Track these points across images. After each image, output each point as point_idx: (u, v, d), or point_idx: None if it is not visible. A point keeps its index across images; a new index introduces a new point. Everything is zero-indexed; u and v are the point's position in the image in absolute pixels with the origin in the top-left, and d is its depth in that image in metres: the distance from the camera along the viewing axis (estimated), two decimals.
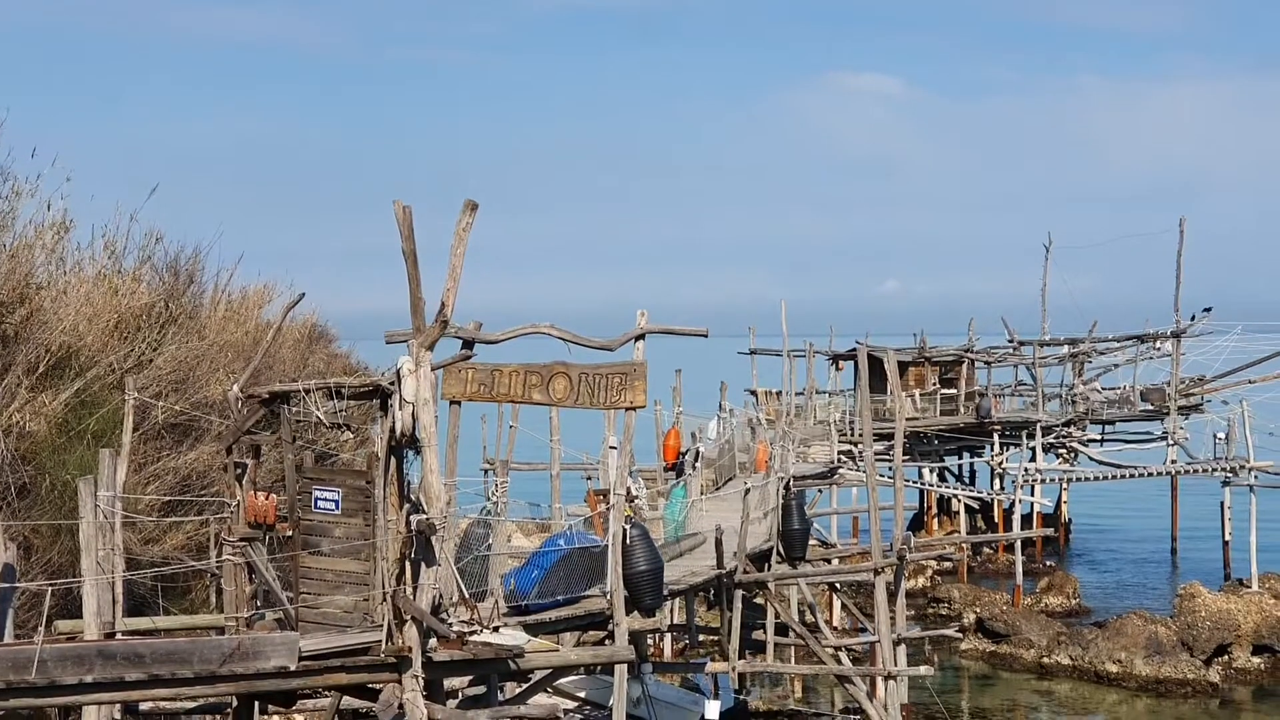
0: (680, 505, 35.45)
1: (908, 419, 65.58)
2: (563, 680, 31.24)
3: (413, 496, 19.71)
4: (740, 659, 35.34)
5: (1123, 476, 71.66)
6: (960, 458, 79.80)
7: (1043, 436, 71.32)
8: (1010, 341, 78.84)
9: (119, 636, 20.53)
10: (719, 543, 32.06)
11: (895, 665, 32.97)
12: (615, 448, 25.57)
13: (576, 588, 25.25)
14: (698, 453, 44.66)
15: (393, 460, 19.45)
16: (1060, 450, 74.76)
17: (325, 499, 20.22)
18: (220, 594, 21.25)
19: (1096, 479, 71.86)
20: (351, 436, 25.09)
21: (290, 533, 20.71)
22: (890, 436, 37.16)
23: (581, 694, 33.22)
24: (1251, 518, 61.47)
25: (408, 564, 19.39)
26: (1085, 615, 59.90)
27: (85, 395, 28.66)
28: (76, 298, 30.89)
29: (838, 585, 46.99)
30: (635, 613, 25.20)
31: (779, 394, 73.56)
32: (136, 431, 25.23)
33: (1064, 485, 75.00)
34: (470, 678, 25.93)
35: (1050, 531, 71.50)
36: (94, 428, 28.01)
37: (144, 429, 29.05)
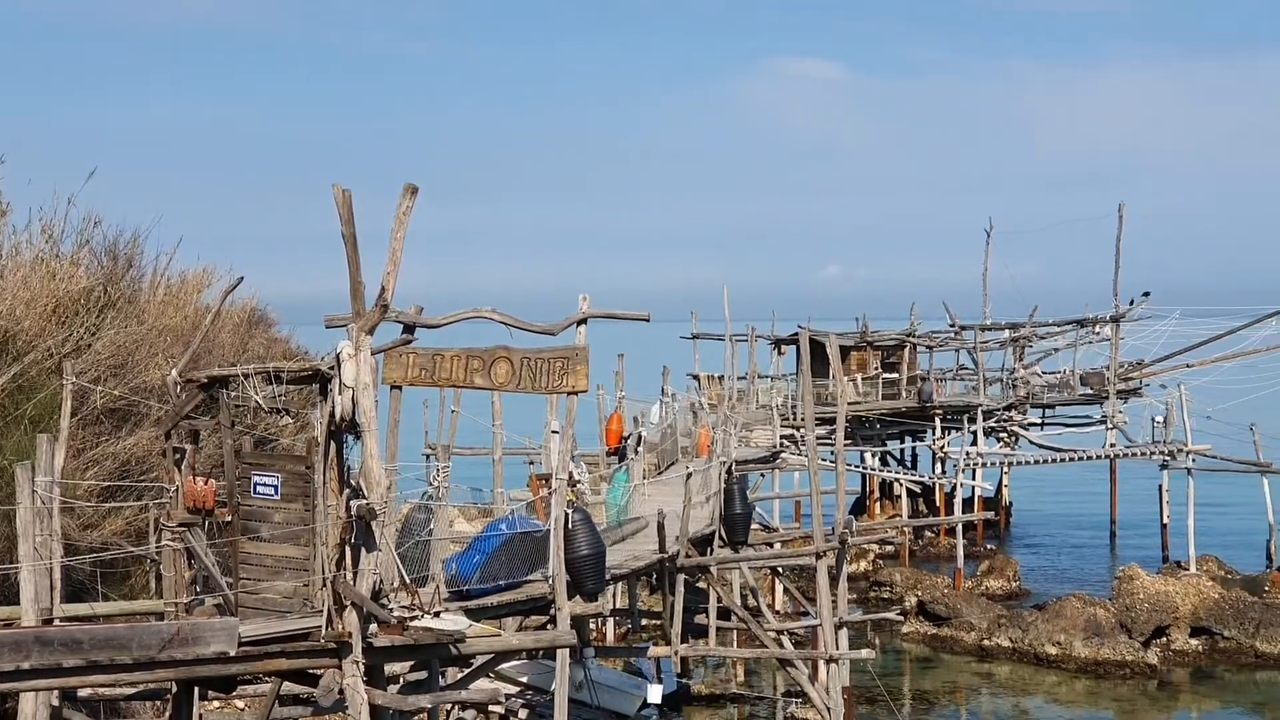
0: (622, 490, 35.45)
1: (850, 403, 65.73)
2: (504, 665, 31.21)
3: (353, 481, 19.62)
4: (682, 643, 35.40)
5: (1062, 460, 72.13)
6: (902, 442, 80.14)
7: (984, 420, 71.70)
8: (952, 326, 79.22)
9: (57, 623, 20.40)
10: (661, 527, 32.08)
11: (837, 648, 33.06)
12: (557, 432, 25.54)
13: (518, 572, 25.20)
14: (640, 437, 44.67)
15: (332, 445, 19.36)
16: (1001, 434, 75.15)
17: (265, 484, 20.12)
18: (159, 580, 21.13)
19: (1037, 463, 72.29)
20: (291, 421, 25.00)
21: (230, 518, 20.60)
22: (832, 421, 37.27)
23: (524, 679, 33.21)
24: (1189, 501, 61.95)
25: (348, 549, 19.31)
26: (1025, 598, 60.23)
27: (23, 380, 28.42)
28: (13, 282, 30.61)
29: (780, 569, 47.14)
30: (577, 597, 25.16)
31: (721, 378, 73.62)
32: (75, 416, 25.05)
33: (1005, 469, 75.38)
34: (411, 663, 25.86)
35: (991, 515, 71.81)
36: (31, 413, 27.78)
37: (82, 414, 28.83)
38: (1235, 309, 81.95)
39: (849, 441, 64.94)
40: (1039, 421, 77.95)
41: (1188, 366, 77.07)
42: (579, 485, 29.14)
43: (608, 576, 27.12)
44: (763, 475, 58.15)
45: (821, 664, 34.28)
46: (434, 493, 24.76)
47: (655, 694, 33.74)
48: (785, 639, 39.34)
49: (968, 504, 68.90)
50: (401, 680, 26.30)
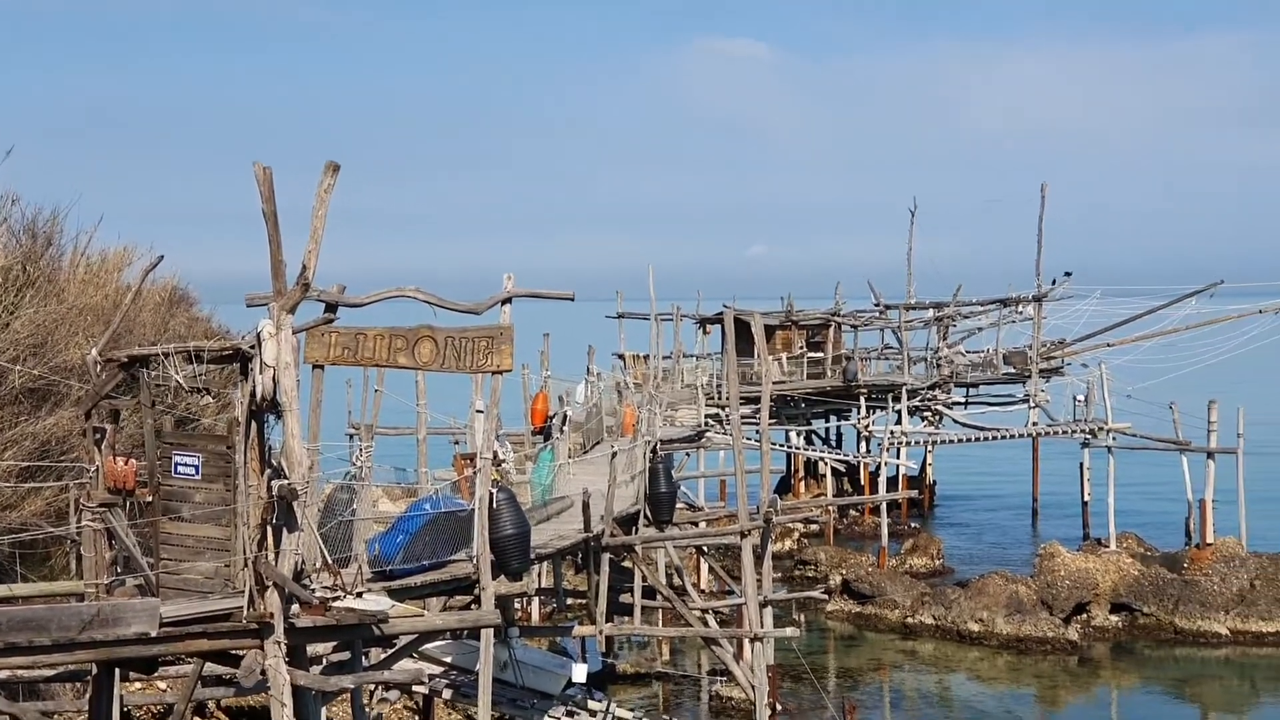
0: (547, 469, 35.39)
1: (775, 382, 65.94)
2: (428, 645, 31.16)
3: (274, 461, 19.52)
4: (608, 622, 35.40)
5: (986, 439, 72.66)
6: (827, 421, 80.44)
7: (908, 399, 72.06)
8: (876, 305, 79.50)
9: None
10: (586, 506, 32.06)
11: (762, 627, 33.16)
12: (482, 412, 25.42)
13: (442, 552, 25.13)
14: (565, 416, 44.59)
15: (254, 425, 19.24)
16: (925, 413, 75.56)
17: (185, 464, 19.98)
18: (80, 561, 20.94)
19: (960, 441, 72.76)
20: (212, 401, 24.82)
21: (150, 498, 20.45)
22: (757, 400, 37.32)
23: (448, 659, 33.16)
24: (1109, 478, 62.52)
25: (269, 529, 19.21)
26: (949, 576, 60.67)
27: None
28: None
29: (705, 548, 47.25)
30: (502, 577, 25.13)
31: (646, 358, 73.59)
32: None
33: (929, 448, 75.80)
34: (334, 644, 25.78)
35: (915, 494, 72.31)
36: None
37: (1, 394, 28.53)
38: (1155, 289, 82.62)
39: (774, 420, 65.27)
40: (962, 400, 78.48)
41: (1108, 346, 77.78)
42: (504, 464, 29.06)
43: (532, 556, 27.09)
44: (688, 454, 58.26)
45: (746, 642, 34.40)
46: (357, 472, 24.64)
47: (580, 673, 33.73)
48: (710, 618, 39.44)
49: (892, 483, 69.25)
50: (324, 661, 26.22)
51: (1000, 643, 50.07)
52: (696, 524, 43.66)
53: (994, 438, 72.62)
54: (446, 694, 32.38)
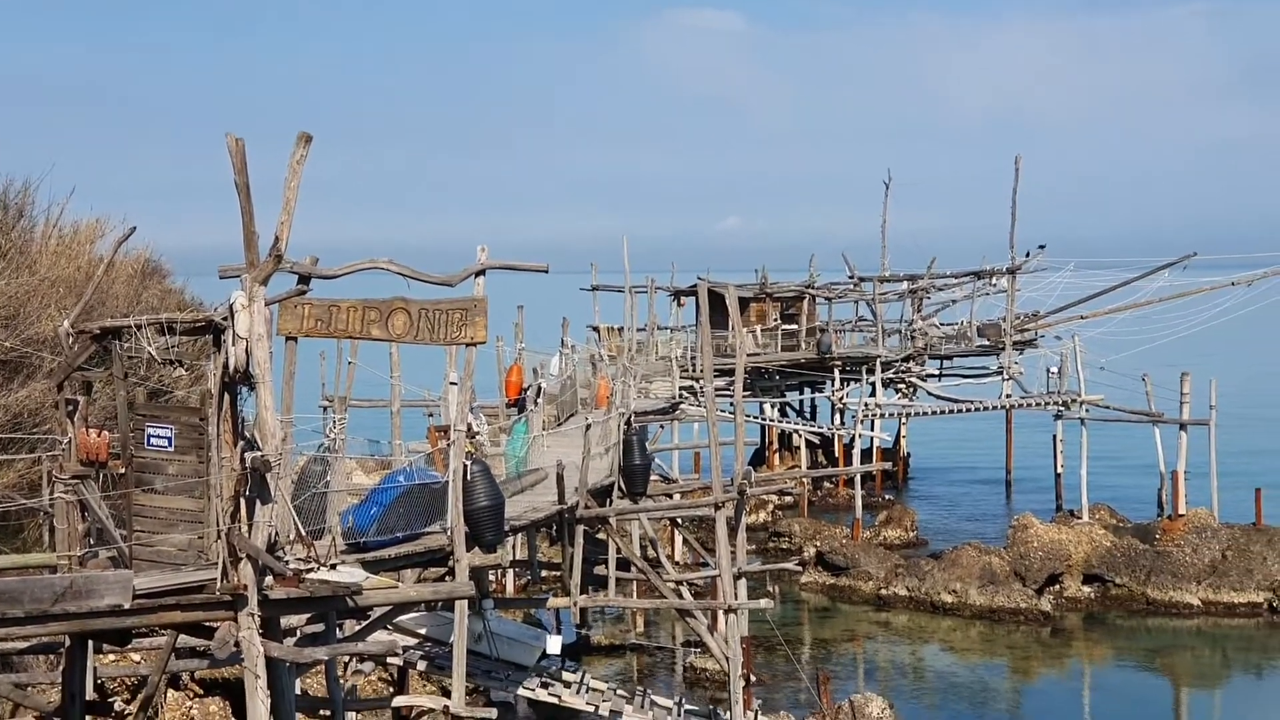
0: (522, 441, 35.39)
1: (749, 355, 65.99)
2: (403, 617, 31.15)
3: (247, 433, 19.48)
4: (582, 594, 35.45)
5: (959, 411, 72.78)
6: (801, 393, 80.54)
7: (882, 372, 72.21)
8: (851, 278, 79.56)
9: None
10: (560, 478, 32.08)
11: (736, 599, 33.21)
12: (456, 384, 25.42)
13: (416, 524, 25.11)
14: (539, 389, 44.59)
15: (227, 397, 19.18)
16: (899, 385, 75.68)
17: (158, 436, 19.92)
18: (52, 533, 20.88)
19: (934, 413, 72.89)
20: (185, 373, 24.76)
21: (123, 470, 20.39)
22: (732, 372, 37.37)
23: (422, 631, 33.17)
24: (1082, 450, 62.73)
25: (243, 501, 19.17)
26: (922, 547, 60.86)
27: None
28: None
29: (679, 520, 47.33)
30: (476, 549, 25.12)
31: (621, 330, 73.63)
32: None
33: (903, 420, 75.98)
34: (308, 616, 25.76)
35: (889, 466, 72.46)
36: None
37: None
38: (1129, 261, 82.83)
39: (748, 393, 65.34)
40: (936, 373, 78.61)
41: (1082, 318, 77.94)
42: (478, 437, 29.07)
43: (507, 528, 27.09)
44: (662, 427, 58.27)
45: (720, 614, 34.47)
46: (331, 445, 24.61)
47: (554, 645, 33.81)
48: (684, 589, 39.53)
49: (866, 455, 69.42)
50: (298, 633, 26.20)
51: (973, 614, 50.29)
52: (670, 496, 43.72)
53: (968, 410, 72.79)
54: (421, 666, 32.40)
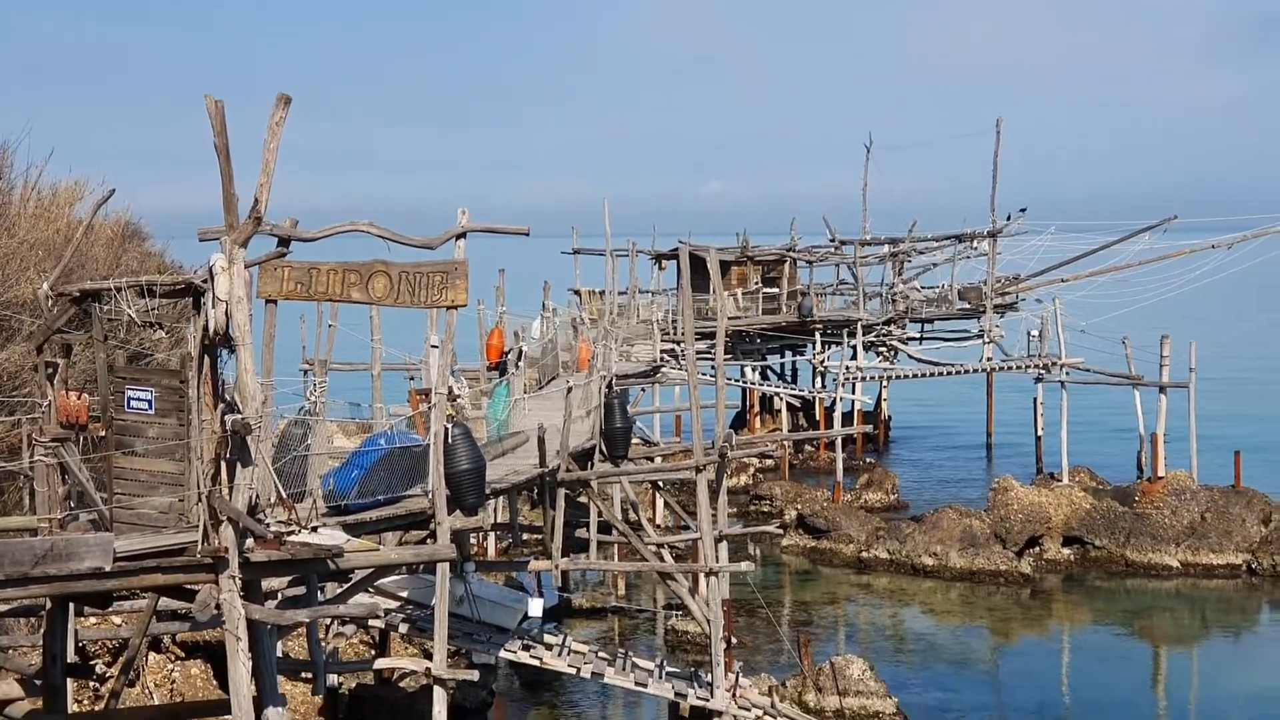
0: (503, 404, 35.37)
1: (730, 318, 66.02)
2: (384, 580, 31.20)
3: (228, 396, 19.45)
4: (563, 557, 35.50)
5: (940, 374, 72.93)
6: (782, 356, 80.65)
7: (863, 335, 72.27)
8: (832, 241, 79.55)
9: None
10: (542, 441, 32.07)
11: (717, 562, 33.25)
12: (437, 347, 25.35)
13: (397, 487, 25.12)
14: (521, 352, 44.57)
15: (207, 359, 19.15)
16: (880, 348, 75.77)
17: (139, 399, 19.88)
18: (33, 496, 20.85)
19: (915, 377, 73.01)
20: (165, 336, 24.69)
21: (104, 433, 20.36)
22: (712, 335, 37.31)
23: (404, 594, 33.20)
24: (1063, 413, 62.85)
25: (223, 464, 19.15)
26: (903, 510, 61.01)
27: None
28: None
29: (660, 483, 47.36)
30: (457, 512, 25.13)
31: (602, 293, 73.60)
32: None
33: (884, 383, 76.11)
34: (290, 578, 25.78)
35: (870, 428, 72.69)
36: None
37: None
38: (1109, 224, 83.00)
39: (729, 356, 65.40)
40: (917, 336, 78.72)
41: (1062, 281, 78.09)
42: (459, 400, 29.03)
43: (488, 491, 27.11)
44: (643, 390, 58.33)
45: (701, 577, 34.51)
46: (311, 408, 24.58)
47: (536, 608, 33.83)
48: (665, 553, 39.56)
49: (847, 418, 69.55)
50: (279, 596, 26.23)
51: (954, 576, 50.47)
52: (652, 459, 43.73)
53: (948, 373, 72.97)
54: (402, 628, 32.43)
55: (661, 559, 36.96)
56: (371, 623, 32.35)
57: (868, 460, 71.73)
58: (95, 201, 26.57)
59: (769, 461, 67.68)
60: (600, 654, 33.81)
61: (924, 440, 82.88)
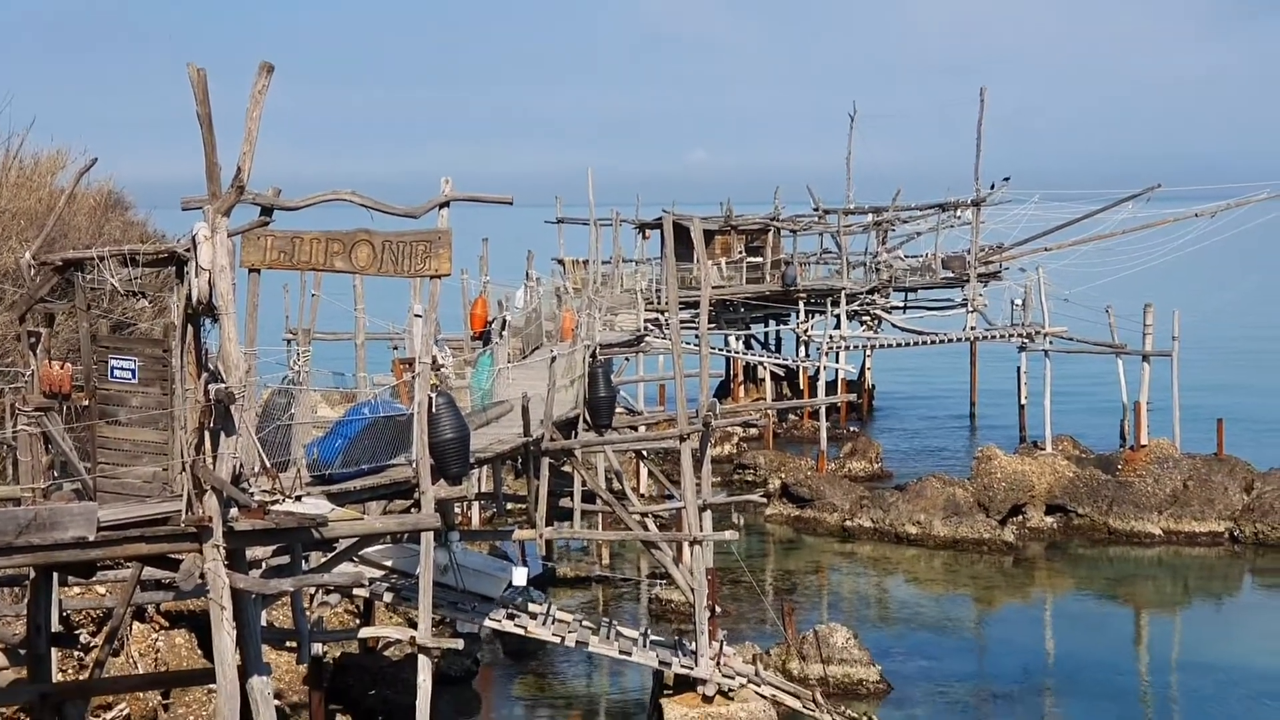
0: (487, 374, 35.37)
1: (714, 287, 66.00)
2: (369, 550, 31.20)
3: (211, 365, 19.42)
4: (548, 526, 35.53)
5: (924, 343, 72.98)
6: (766, 325, 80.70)
7: (847, 304, 72.27)
8: (815, 210, 79.51)
9: None
10: (525, 411, 32.08)
11: (701, 531, 33.29)
12: (420, 316, 25.31)
13: (381, 457, 25.11)
14: (504, 321, 44.56)
15: (190, 328, 19.11)
16: (864, 317, 75.81)
17: (122, 368, 19.85)
18: (16, 465, 20.83)
19: (899, 345, 73.06)
20: (148, 305, 24.65)
21: (87, 402, 20.33)
22: (696, 305, 37.31)
23: (388, 563, 33.22)
24: (1046, 382, 62.95)
25: (207, 433, 19.13)
26: (887, 479, 61.13)
27: None
28: None
29: (644, 452, 47.41)
30: (442, 481, 25.12)
31: (585, 263, 73.55)
32: None
33: (868, 352, 76.15)
34: (274, 547, 25.77)
35: (854, 397, 72.75)
36: None
37: None
38: (1093, 193, 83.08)
39: (713, 325, 65.40)
40: (901, 305, 78.77)
41: (1046, 250, 78.18)
42: (443, 369, 29.02)
43: (472, 460, 27.11)
44: (627, 359, 58.33)
45: (686, 546, 34.56)
46: (295, 377, 24.54)
47: (520, 577, 33.85)
48: (650, 521, 39.64)
49: (831, 387, 69.61)
50: (264, 565, 26.22)
51: (937, 545, 50.62)
52: (636, 428, 43.78)
53: (932, 342, 73.04)
54: (387, 597, 32.47)
55: (646, 528, 37.04)
56: (356, 592, 32.38)
57: (851, 429, 71.80)
58: (78, 170, 26.50)
59: (753, 430, 67.75)
60: (584, 623, 33.88)
61: (908, 409, 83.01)
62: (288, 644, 30.32)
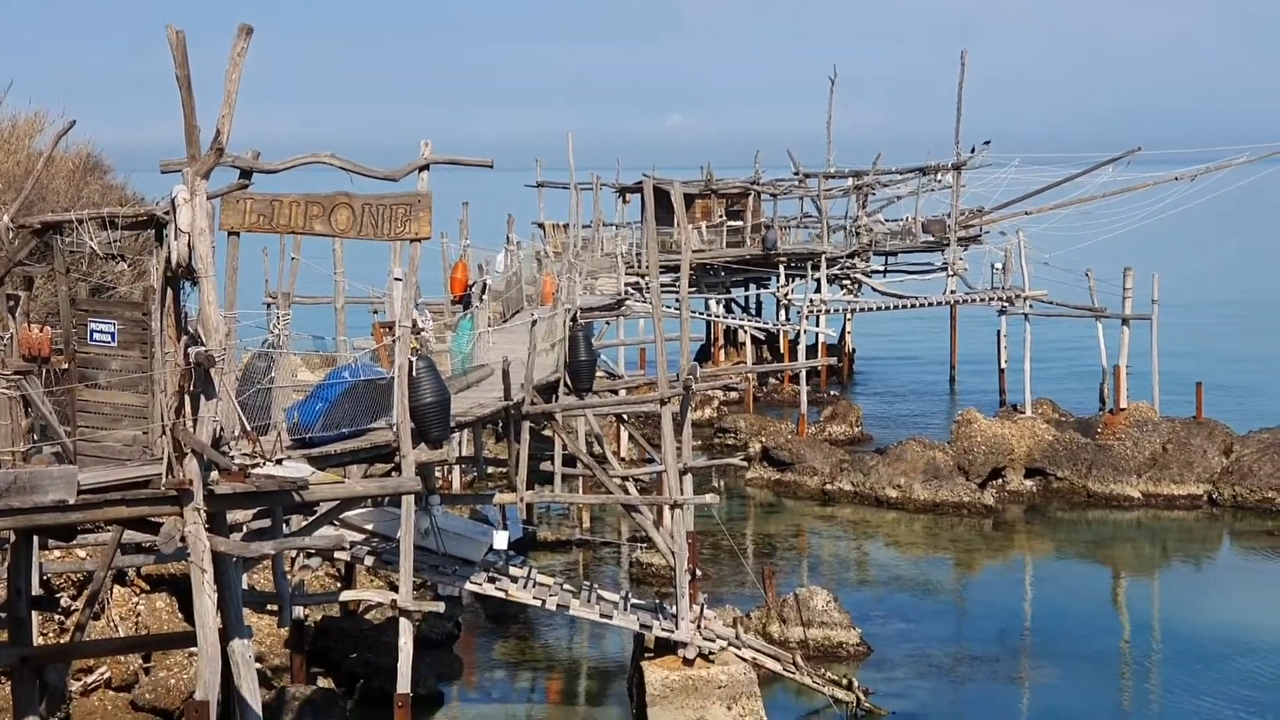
0: (467, 337, 35.31)
1: (694, 251, 66.00)
2: (350, 513, 31.20)
3: (191, 328, 19.38)
4: (528, 490, 35.53)
5: (904, 307, 73.09)
6: (746, 289, 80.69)
7: (827, 268, 72.29)
8: (795, 174, 79.49)
9: None
10: (506, 375, 32.04)
11: (681, 494, 33.31)
12: (400, 279, 25.28)
13: (362, 420, 25.09)
14: (485, 285, 44.50)
15: (170, 291, 19.08)
16: (844, 281, 75.85)
17: (101, 331, 19.82)
18: None
19: (879, 309, 73.17)
20: (127, 268, 24.60)
21: (66, 366, 20.29)
22: (677, 268, 37.29)
23: (369, 526, 33.21)
24: (1026, 345, 63.06)
25: (187, 397, 19.11)
26: (867, 443, 61.24)
27: None
28: None
29: (625, 416, 47.43)
30: (422, 445, 25.13)
31: (566, 226, 73.47)
32: None
33: (848, 316, 76.21)
34: (255, 511, 25.78)
35: (834, 361, 72.80)
36: None
37: None
38: (1073, 157, 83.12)
39: (693, 289, 65.38)
40: (881, 269, 78.89)
41: (1026, 214, 78.27)
42: (423, 333, 28.98)
43: (453, 424, 27.10)
44: (607, 323, 58.30)
45: (666, 509, 34.57)
46: (275, 340, 24.51)
47: (501, 540, 33.83)
48: (630, 485, 39.64)
49: (811, 350, 69.63)
50: (244, 529, 26.22)
51: (917, 508, 50.74)
52: (616, 392, 43.76)
53: (912, 306, 73.16)
54: (368, 561, 32.47)
55: (626, 492, 37.04)
56: (337, 555, 32.37)
57: (832, 393, 71.88)
58: (56, 133, 26.38)
59: (733, 394, 67.81)
60: (565, 586, 33.91)
61: (888, 373, 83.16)
62: (269, 607, 30.34)
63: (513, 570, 34.01)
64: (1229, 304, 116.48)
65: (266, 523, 25.27)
